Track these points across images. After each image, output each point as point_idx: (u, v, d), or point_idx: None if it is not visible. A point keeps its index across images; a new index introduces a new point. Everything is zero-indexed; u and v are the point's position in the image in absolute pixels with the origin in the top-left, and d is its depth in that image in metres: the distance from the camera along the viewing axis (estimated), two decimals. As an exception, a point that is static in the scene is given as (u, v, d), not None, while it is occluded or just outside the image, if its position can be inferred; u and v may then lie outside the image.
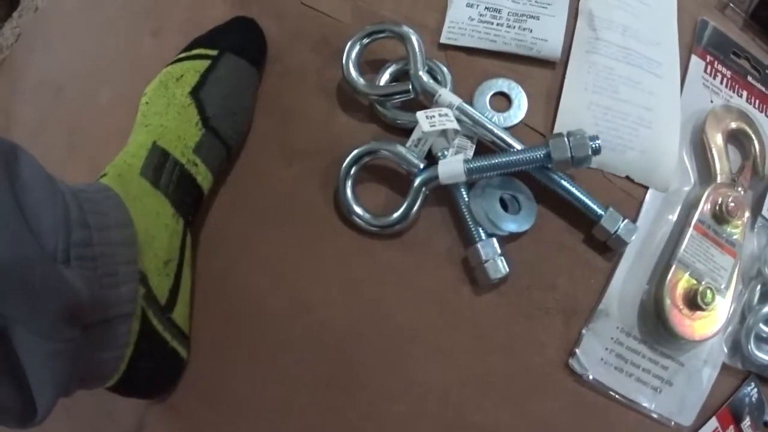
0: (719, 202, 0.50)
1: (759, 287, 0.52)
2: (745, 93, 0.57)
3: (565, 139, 0.45)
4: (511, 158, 0.45)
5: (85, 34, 0.62)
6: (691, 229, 0.49)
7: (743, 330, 0.51)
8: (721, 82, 0.57)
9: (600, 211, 0.47)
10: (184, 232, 0.47)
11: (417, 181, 0.47)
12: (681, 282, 0.48)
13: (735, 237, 0.50)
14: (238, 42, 0.52)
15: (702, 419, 0.49)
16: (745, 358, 0.51)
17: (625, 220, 0.47)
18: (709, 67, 0.56)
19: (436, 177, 0.46)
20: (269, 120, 0.52)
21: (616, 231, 0.46)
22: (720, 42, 0.58)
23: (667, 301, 0.47)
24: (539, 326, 0.47)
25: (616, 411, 0.48)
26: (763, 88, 0.59)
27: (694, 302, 0.47)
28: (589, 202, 0.47)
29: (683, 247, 0.48)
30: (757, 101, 0.58)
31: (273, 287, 0.48)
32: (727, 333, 0.51)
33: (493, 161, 0.45)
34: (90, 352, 0.38)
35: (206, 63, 0.50)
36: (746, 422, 0.51)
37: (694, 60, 0.56)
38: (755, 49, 0.61)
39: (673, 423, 0.48)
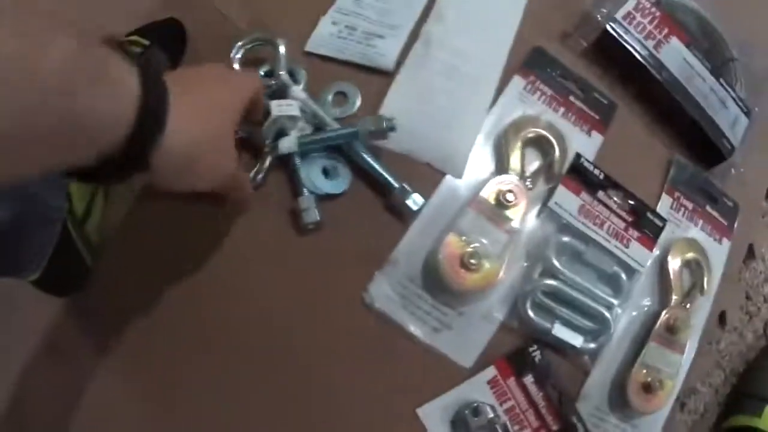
0: (500, 190, 0.63)
1: (541, 264, 0.65)
2: (562, 109, 0.70)
3: (368, 119, 0.61)
4: (329, 134, 0.62)
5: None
6: (470, 207, 0.63)
7: (521, 294, 0.64)
8: (539, 99, 0.70)
9: (396, 184, 0.62)
10: None
11: (265, 150, 0.64)
12: (455, 245, 0.61)
13: (512, 219, 0.63)
14: (164, 41, 0.70)
15: (482, 365, 0.62)
16: (522, 320, 0.63)
17: (414, 194, 0.62)
18: (530, 86, 0.70)
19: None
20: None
21: (405, 200, 0.61)
22: (547, 64, 0.71)
23: (441, 257, 0.61)
24: (346, 270, 0.62)
25: (403, 341, 0.61)
26: (584, 107, 0.71)
27: (463, 262, 0.61)
28: (387, 176, 0.62)
29: (462, 219, 0.62)
30: (575, 117, 0.70)
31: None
32: (506, 296, 0.64)
33: (315, 137, 0.62)
34: (28, 241, 0.53)
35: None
36: (529, 378, 0.62)
37: (516, 78, 0.70)
38: (590, 76, 0.74)
39: (454, 361, 0.61)
